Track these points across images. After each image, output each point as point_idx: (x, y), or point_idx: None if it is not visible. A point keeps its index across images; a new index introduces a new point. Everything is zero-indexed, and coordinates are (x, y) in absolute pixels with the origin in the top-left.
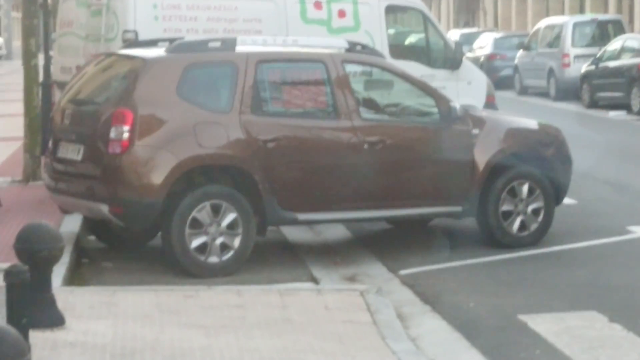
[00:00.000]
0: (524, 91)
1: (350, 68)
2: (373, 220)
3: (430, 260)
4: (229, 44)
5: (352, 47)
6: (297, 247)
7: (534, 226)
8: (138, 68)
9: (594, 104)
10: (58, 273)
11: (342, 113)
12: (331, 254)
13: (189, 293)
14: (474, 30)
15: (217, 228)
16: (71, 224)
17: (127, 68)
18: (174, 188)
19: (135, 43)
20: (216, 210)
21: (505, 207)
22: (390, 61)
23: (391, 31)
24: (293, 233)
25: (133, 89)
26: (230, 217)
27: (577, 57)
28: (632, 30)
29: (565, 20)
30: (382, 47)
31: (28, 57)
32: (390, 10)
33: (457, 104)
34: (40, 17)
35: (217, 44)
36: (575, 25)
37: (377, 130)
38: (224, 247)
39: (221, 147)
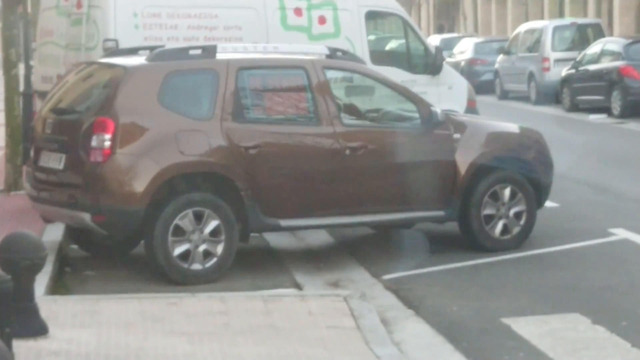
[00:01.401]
0: (505, 95)
1: (331, 74)
2: (356, 226)
3: (413, 265)
4: (210, 51)
5: (332, 53)
6: (280, 254)
7: (516, 230)
8: (119, 76)
9: (574, 108)
10: (41, 282)
11: (323, 119)
12: (314, 259)
13: (172, 300)
14: (454, 35)
15: (200, 235)
16: (53, 233)
17: (108, 77)
18: (156, 196)
19: (116, 52)
20: (199, 218)
21: (487, 211)
22: (371, 67)
23: (371, 37)
24: (276, 239)
25: (114, 98)
26: (213, 224)
27: (557, 61)
28: (611, 34)
29: (545, 24)
30: (363, 53)
31: (8, 66)
32: (371, 16)
33: (438, 109)
34: (21, 26)
35: (198, 52)
36: (555, 29)
37: (358, 136)
38: (207, 254)
39: (203, 154)
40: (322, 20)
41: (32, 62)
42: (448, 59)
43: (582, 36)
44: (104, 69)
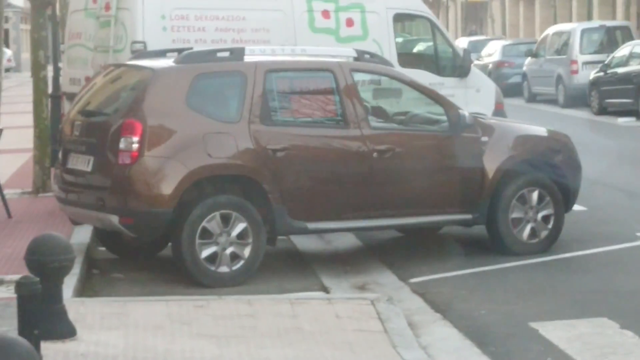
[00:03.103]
0: (533, 98)
1: (359, 77)
2: (383, 229)
3: (440, 268)
4: (238, 53)
5: (360, 55)
6: (307, 256)
7: (544, 233)
8: (147, 79)
9: (602, 111)
10: (69, 284)
11: (351, 122)
12: (341, 262)
13: (199, 303)
14: (482, 37)
15: (227, 238)
16: (81, 235)
17: (136, 79)
18: (183, 198)
19: (144, 54)
20: (226, 220)
21: (515, 215)
22: (399, 69)
23: (399, 39)
24: (303, 242)
25: (142, 100)
26: (240, 226)
27: (586, 63)
28: None
29: (573, 26)
30: (391, 55)
31: (37, 69)
32: (399, 18)
33: (466, 111)
34: (49, 29)
35: (226, 54)
36: (583, 31)
37: (386, 138)
38: (234, 257)
39: (230, 156)
40: (349, 22)
41: (60, 64)
42: (476, 62)
43: (611, 39)
44: (132, 71)
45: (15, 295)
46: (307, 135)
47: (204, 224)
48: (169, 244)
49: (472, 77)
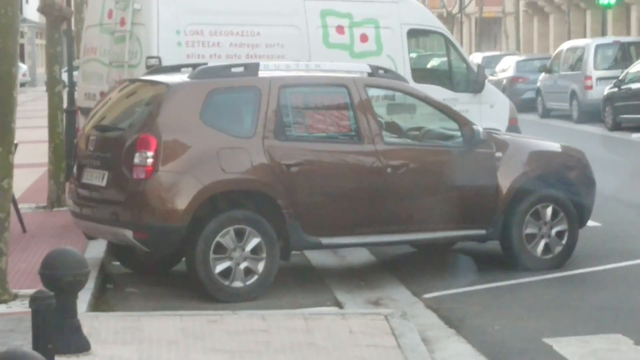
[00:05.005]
0: (547, 114)
1: (373, 92)
2: (397, 244)
3: (454, 284)
4: (252, 69)
5: (374, 71)
6: (321, 272)
7: (558, 249)
8: (161, 94)
9: (616, 126)
10: (83, 299)
11: (365, 137)
12: (355, 278)
13: (213, 318)
14: (496, 53)
15: (241, 253)
16: (96, 250)
17: (150, 94)
18: (198, 213)
19: (159, 69)
20: (240, 235)
21: (529, 230)
22: (413, 85)
23: (413, 55)
24: (317, 257)
25: (157, 115)
26: (254, 241)
27: (600, 79)
28: None
29: (588, 42)
30: (405, 71)
31: (52, 83)
32: (413, 34)
33: (480, 127)
34: (64, 44)
35: (240, 69)
36: (598, 47)
37: (400, 154)
38: (248, 272)
39: (245, 172)
40: (364, 38)
41: (75, 79)
42: (490, 77)
43: (625, 54)
44: (146, 86)
45: (29, 310)
46: (321, 150)
47: (218, 238)
48: (183, 258)
49: (486, 93)
